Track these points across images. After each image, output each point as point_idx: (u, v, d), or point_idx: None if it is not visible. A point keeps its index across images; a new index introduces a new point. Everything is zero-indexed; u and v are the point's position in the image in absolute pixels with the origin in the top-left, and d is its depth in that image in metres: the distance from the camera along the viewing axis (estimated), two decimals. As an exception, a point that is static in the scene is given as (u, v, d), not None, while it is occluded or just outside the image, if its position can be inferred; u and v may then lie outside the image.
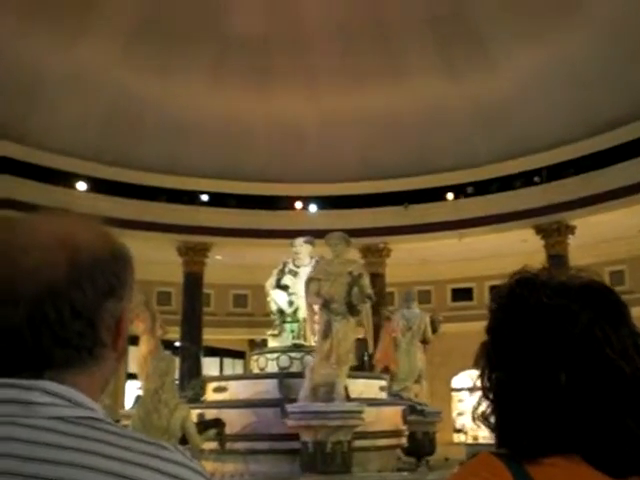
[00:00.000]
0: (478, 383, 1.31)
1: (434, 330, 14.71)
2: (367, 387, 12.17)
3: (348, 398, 10.44)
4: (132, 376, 26.77)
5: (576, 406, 1.19)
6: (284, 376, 11.40)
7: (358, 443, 10.38)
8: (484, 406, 1.29)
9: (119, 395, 25.95)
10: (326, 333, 9.78)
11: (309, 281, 10.47)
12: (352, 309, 9.89)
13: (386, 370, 14.37)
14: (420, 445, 12.82)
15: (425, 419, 12.96)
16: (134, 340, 17.95)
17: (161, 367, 6.72)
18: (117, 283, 1.15)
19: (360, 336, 12.37)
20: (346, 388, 10.77)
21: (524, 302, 1.26)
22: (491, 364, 1.29)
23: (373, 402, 11.52)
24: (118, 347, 1.17)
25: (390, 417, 11.54)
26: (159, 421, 6.40)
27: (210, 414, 10.26)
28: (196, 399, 12.91)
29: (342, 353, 9.65)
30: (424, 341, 14.48)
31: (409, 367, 13.91)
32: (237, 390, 12.12)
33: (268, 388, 10.91)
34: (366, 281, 10.22)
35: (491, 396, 1.28)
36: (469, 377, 29.04)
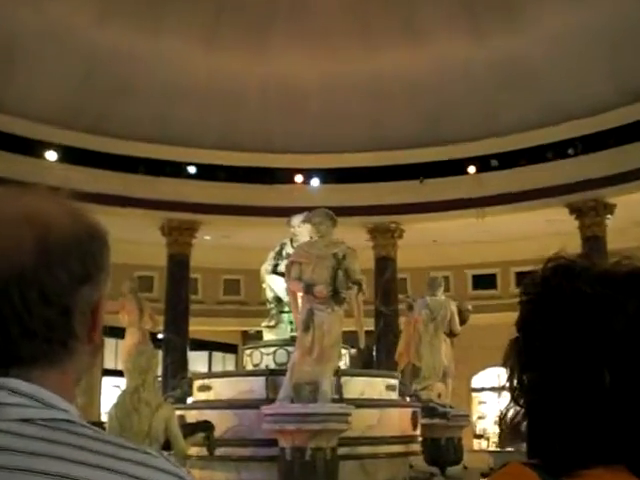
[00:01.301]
0: (507, 385, 1.30)
1: (462, 321, 14.66)
2: (369, 386, 12.16)
3: (341, 399, 10.46)
4: (109, 372, 26.96)
5: (622, 410, 1.17)
6: (271, 373, 11.42)
7: (354, 450, 10.41)
8: (514, 411, 1.28)
9: (95, 393, 26.12)
10: (307, 324, 9.76)
11: (290, 265, 10.45)
12: (336, 297, 9.85)
13: (411, 367, 14.36)
14: (443, 453, 12.85)
15: (449, 423, 12.98)
16: (120, 332, 17.95)
17: (141, 362, 6.74)
18: (93, 266, 1.14)
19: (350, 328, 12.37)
20: (340, 388, 10.79)
21: (561, 292, 1.25)
22: (522, 364, 1.28)
23: (374, 403, 11.53)
24: (94, 339, 1.16)
25: (396, 421, 11.56)
26: (139, 423, 6.43)
27: (190, 416, 10.31)
28: (183, 399, 12.98)
29: (327, 347, 9.60)
30: (450, 333, 14.43)
31: (432, 363, 13.88)
32: (221, 389, 12.18)
33: (253, 387, 10.99)
34: (354, 264, 10.17)
35: (522, 400, 1.27)
36: (492, 375, 29.14)
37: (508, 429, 1.28)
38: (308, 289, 10.06)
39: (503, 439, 1.31)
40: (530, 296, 1.31)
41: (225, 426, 10.22)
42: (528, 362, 1.26)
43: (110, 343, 27.21)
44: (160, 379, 19.45)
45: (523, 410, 1.27)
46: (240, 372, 13.13)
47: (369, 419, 10.98)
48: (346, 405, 9.69)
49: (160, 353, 17.03)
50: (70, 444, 1.01)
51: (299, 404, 9.43)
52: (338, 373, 11.15)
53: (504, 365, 1.31)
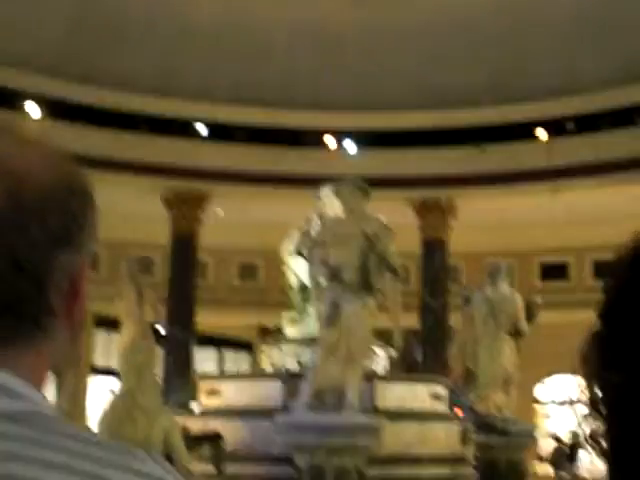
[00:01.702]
0: (585, 391, 1.25)
1: (530, 318, 14.54)
2: (411, 395, 12.13)
3: (373, 409, 10.42)
4: (100, 371, 27.13)
5: None
6: (290, 377, 11.42)
7: (389, 472, 10.38)
8: (595, 424, 1.23)
9: (80, 396, 26.32)
10: (332, 319, 9.65)
11: (312, 246, 10.35)
12: (367, 285, 9.74)
13: (467, 373, 14.30)
14: (503, 476, 12.81)
15: (509, 441, 12.92)
16: (115, 324, 18.02)
17: (137, 360, 6.75)
18: (74, 226, 1.12)
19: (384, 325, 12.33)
20: (373, 396, 10.75)
21: None
22: (606, 364, 1.23)
23: (414, 415, 11.49)
24: (73, 316, 1.14)
25: (442, 437, 11.53)
26: (134, 433, 6.45)
27: (195, 425, 10.32)
28: (187, 404, 13.05)
29: (355, 346, 9.51)
30: (515, 333, 14.34)
31: (492, 369, 13.80)
32: (232, 394, 12.20)
33: (270, 393, 10.95)
34: (389, 246, 10.03)
35: (605, 409, 1.22)
36: (560, 385, 29.05)
37: (590, 444, 1.23)
38: (334, 275, 9.98)
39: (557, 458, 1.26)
40: (617, 281, 1.26)
41: (235, 439, 10.21)
42: (613, 360, 1.21)
43: (101, 336, 27.49)
44: (160, 381, 19.53)
45: (605, 423, 1.22)
46: (254, 374, 13.11)
47: (408, 435, 10.94)
48: (378, 417, 9.57)
49: (160, 351, 17.05)
50: (44, 444, 0.99)
51: (320, 414, 9.34)
52: (371, 378, 11.12)
53: (582, 365, 1.26)
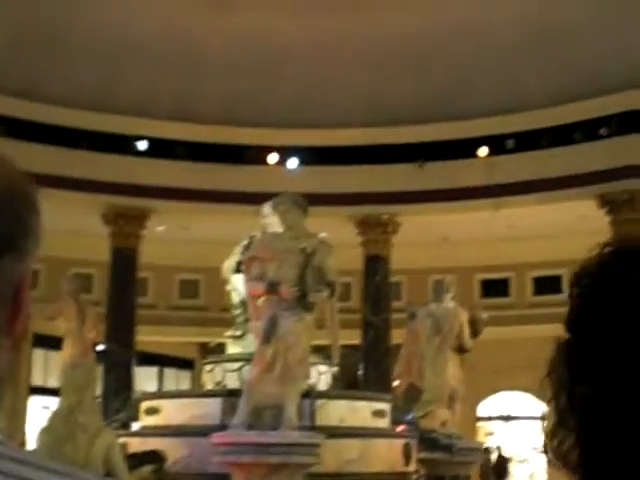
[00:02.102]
0: (552, 402, 1.25)
1: (475, 333, 14.58)
2: (351, 412, 12.08)
3: (312, 427, 10.36)
4: (38, 390, 26.81)
5: None
6: (229, 394, 11.35)
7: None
8: (561, 437, 1.23)
9: (19, 416, 25.92)
10: (269, 335, 9.59)
11: (249, 261, 10.28)
12: (303, 301, 9.69)
13: (412, 388, 14.27)
14: None
15: (454, 458, 12.92)
16: (53, 342, 17.75)
17: (77, 378, 6.65)
18: (19, 232, 1.07)
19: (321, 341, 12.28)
20: (313, 413, 10.70)
21: (623, 282, 1.20)
22: (573, 374, 1.22)
23: (354, 432, 11.45)
24: (15, 329, 1.07)
25: (383, 454, 11.49)
26: (74, 452, 6.35)
27: (134, 444, 10.22)
28: (128, 424, 12.93)
29: (292, 363, 9.44)
30: (460, 349, 14.36)
31: (436, 385, 13.80)
32: (171, 413, 12.13)
33: (209, 411, 10.88)
34: (327, 261, 10.01)
35: (572, 422, 1.22)
36: (502, 402, 29.20)
37: (557, 458, 1.23)
38: (271, 289, 9.92)
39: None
40: (583, 288, 1.25)
41: (174, 457, 10.13)
42: (581, 372, 1.21)
43: (38, 355, 27.14)
44: (100, 400, 19.34)
45: (574, 435, 1.21)
46: (193, 392, 12.98)
47: (348, 452, 10.90)
48: (316, 434, 9.51)
49: (99, 368, 16.92)
50: None
51: (256, 432, 9.26)
52: (311, 395, 11.07)
53: (548, 376, 1.25)
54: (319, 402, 11.34)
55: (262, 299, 10.09)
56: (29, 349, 27.60)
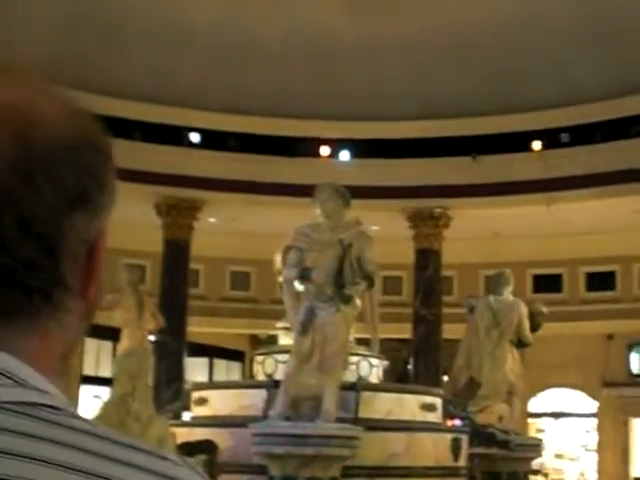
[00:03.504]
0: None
1: (535, 327, 14.37)
2: (399, 405, 11.98)
3: (355, 419, 10.28)
4: (89, 379, 27.01)
5: None
6: (275, 385, 11.31)
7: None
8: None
9: (71, 404, 26.14)
10: (306, 326, 9.51)
11: (286, 250, 10.17)
12: (340, 293, 9.57)
13: (471, 382, 14.10)
14: None
15: (511, 454, 12.75)
16: (106, 333, 17.80)
17: (130, 365, 6.67)
18: (93, 185, 1.01)
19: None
20: (357, 406, 10.63)
21: None
22: None
23: (399, 426, 11.35)
24: (89, 293, 1.02)
25: (430, 448, 11.37)
26: (126, 440, 6.33)
27: (181, 434, 10.23)
28: (179, 414, 12.96)
29: (329, 354, 9.35)
30: (519, 343, 14.17)
31: (494, 379, 13.61)
32: (219, 403, 12.13)
33: (255, 402, 10.84)
34: (365, 253, 9.82)
35: None
36: (553, 398, 28.98)
37: None
38: (305, 275, 9.85)
39: None
40: None
41: (221, 447, 10.14)
42: None
43: (91, 344, 27.35)
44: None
45: None
46: (241, 383, 12.90)
47: (393, 445, 10.81)
48: (353, 426, 9.41)
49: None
50: (55, 440, 0.86)
51: (291, 423, 9.21)
52: (357, 387, 11.02)
53: None
54: (367, 395, 11.27)
55: (299, 290, 10.00)
56: (81, 338, 27.85)
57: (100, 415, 6.57)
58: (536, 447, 13.86)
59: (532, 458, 13.97)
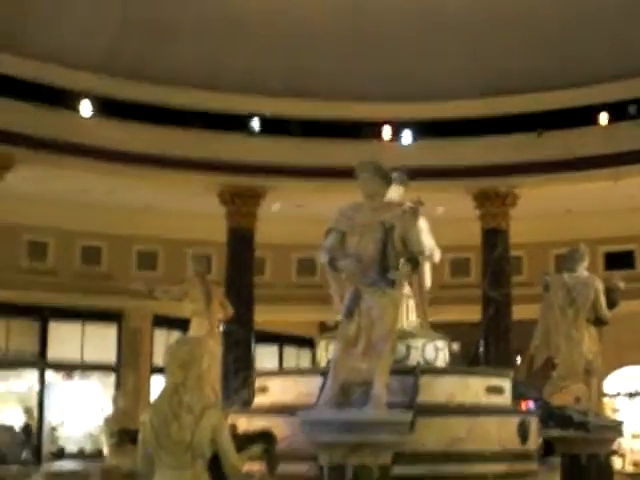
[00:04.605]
0: None
1: (612, 304, 13.97)
2: (462, 388, 11.71)
3: (411, 404, 9.98)
4: (160, 370, 27.16)
5: None
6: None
7: (435, 470, 10.02)
8: None
9: (142, 396, 26.42)
10: (351, 310, 9.25)
11: (327, 232, 9.91)
12: (384, 277, 9.28)
13: (550, 363, 13.75)
14: (584, 475, 12.35)
15: (589, 436, 12.41)
16: (175, 323, 17.87)
17: (182, 355, 6.48)
18: None
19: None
20: (416, 390, 10.35)
21: None
22: None
23: (460, 410, 11.07)
24: None
25: (494, 432, 11.07)
26: (180, 432, 6.19)
27: (240, 424, 10.07)
28: (248, 402, 12.89)
29: (376, 338, 9.07)
30: (598, 320, 13.81)
31: (571, 359, 13.26)
32: (278, 391, 12.08)
33: (313, 389, 10.64)
34: (410, 234, 9.46)
35: None
36: (629, 377, 28.55)
37: None
38: (330, 262, 9.62)
39: None
40: None
41: (279, 436, 9.96)
42: None
43: (161, 335, 27.51)
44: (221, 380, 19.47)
45: None
46: (299, 370, 12.75)
47: (455, 430, 10.54)
48: (403, 412, 9.13)
49: (220, 347, 16.90)
50: None
51: (341, 410, 8.97)
52: (416, 371, 10.78)
53: None
54: (427, 378, 11.01)
55: (345, 275, 9.73)
56: (151, 329, 28.01)
57: (154, 406, 6.40)
58: (616, 428, 13.43)
59: (613, 440, 13.56)
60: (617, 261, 27.58)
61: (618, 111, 24.42)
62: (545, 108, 24.81)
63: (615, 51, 24.29)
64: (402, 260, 9.34)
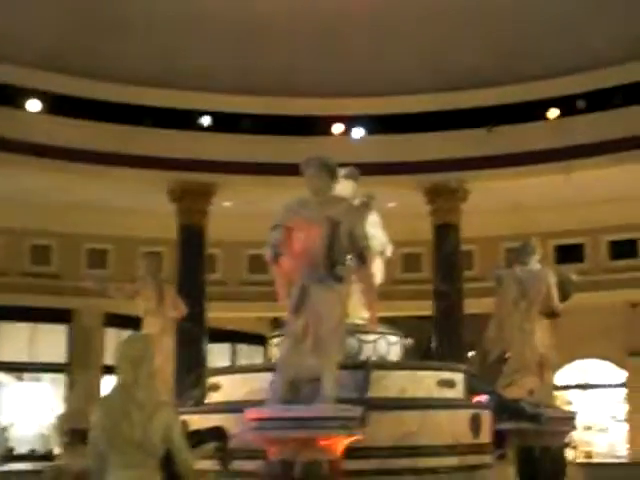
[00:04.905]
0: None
1: (564, 296, 14.04)
2: (414, 382, 11.74)
3: (361, 399, 9.98)
4: (111, 370, 27.01)
5: None
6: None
7: (385, 464, 10.04)
8: None
9: (93, 396, 26.21)
10: (298, 305, 9.23)
11: (273, 228, 9.89)
12: (331, 272, 9.27)
13: (504, 356, 13.81)
14: (538, 466, 12.41)
15: (542, 428, 12.48)
16: (128, 322, 17.74)
17: (132, 352, 6.42)
18: None
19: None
20: (366, 385, 10.36)
21: None
22: None
23: (410, 404, 11.09)
24: None
25: (446, 426, 11.09)
26: (131, 431, 6.12)
27: (193, 422, 10.04)
28: (200, 401, 12.86)
29: (324, 334, 9.06)
30: (550, 313, 13.87)
31: (523, 352, 13.32)
32: (230, 388, 12.09)
33: (263, 386, 10.61)
34: (357, 228, 9.45)
35: None
36: (579, 370, 28.78)
37: None
38: (274, 255, 9.61)
39: None
40: None
41: (232, 434, 9.96)
42: None
43: (110, 334, 27.31)
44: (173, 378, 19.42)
45: None
46: (250, 367, 12.67)
47: (406, 424, 10.55)
48: (350, 407, 9.13)
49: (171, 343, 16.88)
50: None
51: (286, 406, 8.94)
52: (366, 366, 10.79)
53: None
54: (378, 373, 11.02)
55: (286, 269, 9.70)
56: (101, 328, 27.82)
57: (104, 405, 6.34)
58: (569, 420, 13.51)
59: (566, 432, 13.63)
60: (568, 254, 27.81)
61: (567, 105, 24.62)
62: (495, 103, 24.96)
63: (563, 46, 24.45)
64: (349, 256, 9.34)
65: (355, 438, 8.94)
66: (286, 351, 9.15)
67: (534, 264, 13.90)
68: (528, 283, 13.53)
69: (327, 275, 9.10)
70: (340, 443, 8.86)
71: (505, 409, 12.48)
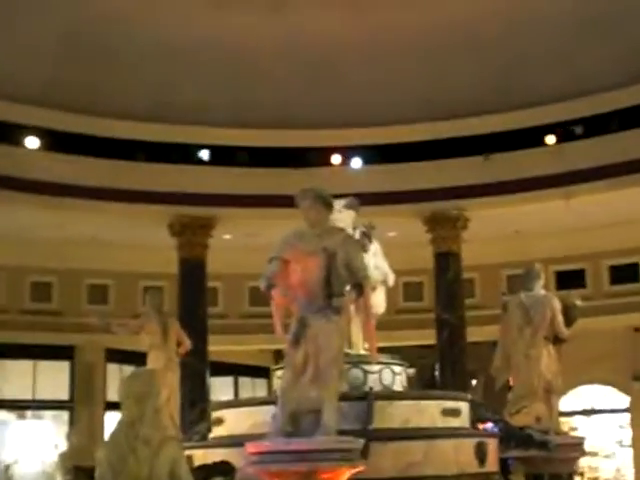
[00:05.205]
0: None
1: (570, 321, 14.00)
2: (417, 412, 11.68)
3: (364, 430, 9.95)
4: (114, 406, 26.91)
5: None
6: None
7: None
8: None
9: (96, 432, 26.18)
10: (297, 337, 9.23)
11: (269, 261, 9.90)
12: (329, 304, 9.27)
13: (508, 385, 13.78)
14: None
15: (551, 455, 12.42)
16: (130, 357, 17.71)
17: (136, 388, 6.40)
18: None
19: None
20: (370, 416, 10.33)
21: None
22: None
23: (414, 434, 11.02)
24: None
25: (451, 455, 11.04)
26: (137, 466, 6.10)
27: (197, 457, 9.99)
28: (205, 435, 12.83)
29: (323, 365, 9.05)
30: (556, 339, 13.84)
31: (529, 378, 13.29)
32: (233, 422, 12.01)
33: (266, 419, 10.58)
34: (354, 260, 9.45)
35: None
36: (584, 396, 28.66)
37: None
38: (267, 288, 9.64)
39: None
40: None
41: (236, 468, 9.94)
42: None
43: (114, 369, 27.24)
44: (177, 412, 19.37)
45: None
46: (252, 400, 12.62)
47: (410, 454, 10.49)
48: (352, 438, 9.09)
49: (176, 377, 16.87)
50: None
51: (286, 439, 8.90)
52: (369, 397, 10.76)
53: None
54: (382, 403, 10.98)
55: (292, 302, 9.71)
56: (103, 364, 27.76)
57: (110, 441, 6.32)
58: (578, 446, 13.45)
59: (576, 458, 13.56)
60: (569, 280, 27.78)
61: (565, 131, 24.69)
62: (492, 130, 25.02)
63: (559, 73, 24.53)
64: (348, 286, 9.36)
65: (358, 470, 8.90)
66: (286, 383, 9.13)
67: (539, 289, 13.88)
68: (533, 309, 13.50)
69: (325, 306, 9.10)
70: (342, 475, 8.82)
71: (512, 437, 12.44)
